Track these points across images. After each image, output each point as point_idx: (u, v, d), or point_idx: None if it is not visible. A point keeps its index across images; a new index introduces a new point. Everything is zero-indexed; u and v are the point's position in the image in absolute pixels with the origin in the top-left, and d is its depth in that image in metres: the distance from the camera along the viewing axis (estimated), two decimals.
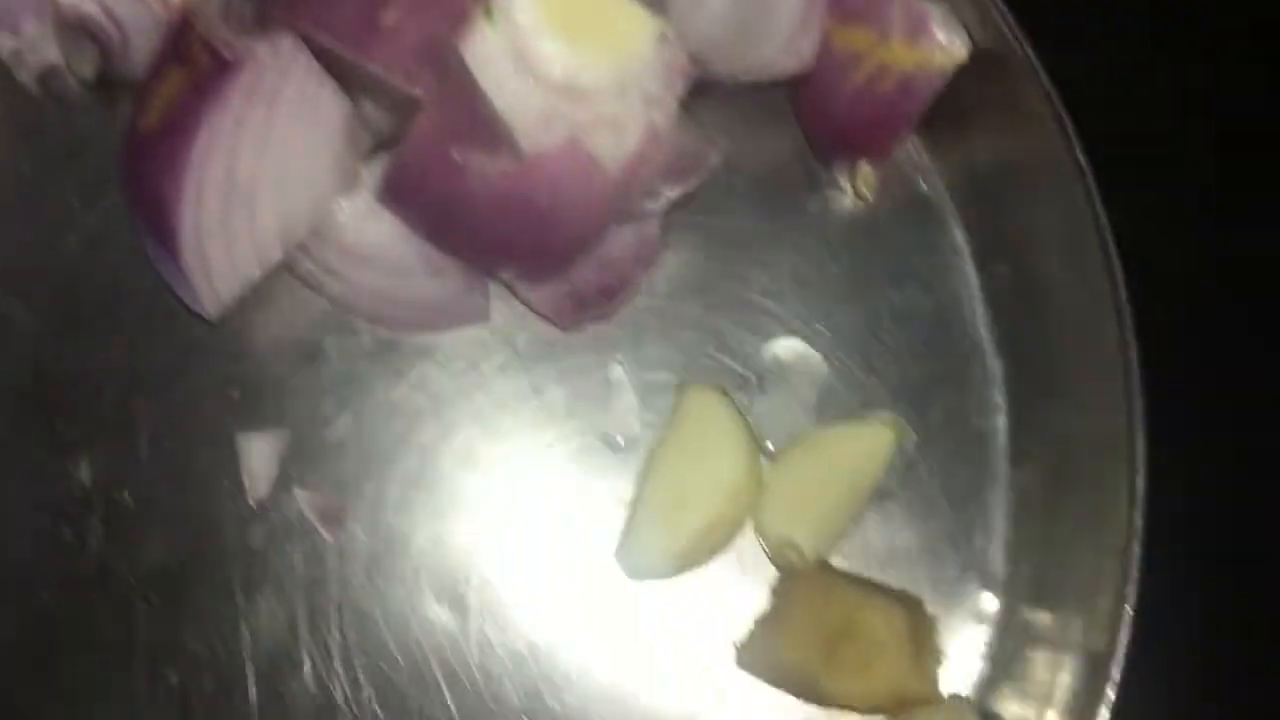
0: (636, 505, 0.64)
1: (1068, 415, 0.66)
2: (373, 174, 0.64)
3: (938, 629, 0.64)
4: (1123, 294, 0.62)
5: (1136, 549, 0.59)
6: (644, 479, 0.64)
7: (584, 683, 0.65)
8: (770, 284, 0.69)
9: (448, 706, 0.65)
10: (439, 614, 0.66)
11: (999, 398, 0.68)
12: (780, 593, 0.64)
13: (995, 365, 0.69)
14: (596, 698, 0.65)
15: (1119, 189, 0.63)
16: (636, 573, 0.64)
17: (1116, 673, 0.57)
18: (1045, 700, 0.61)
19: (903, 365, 0.68)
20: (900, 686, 0.60)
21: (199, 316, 0.64)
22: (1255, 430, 0.72)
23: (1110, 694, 0.57)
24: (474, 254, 0.64)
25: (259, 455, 0.67)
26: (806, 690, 0.62)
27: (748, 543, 0.66)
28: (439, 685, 0.65)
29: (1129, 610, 0.58)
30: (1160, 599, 0.61)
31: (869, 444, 0.64)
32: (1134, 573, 0.59)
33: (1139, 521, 0.59)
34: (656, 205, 0.64)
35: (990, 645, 0.65)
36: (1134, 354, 0.62)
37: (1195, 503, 0.68)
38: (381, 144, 0.65)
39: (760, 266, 0.70)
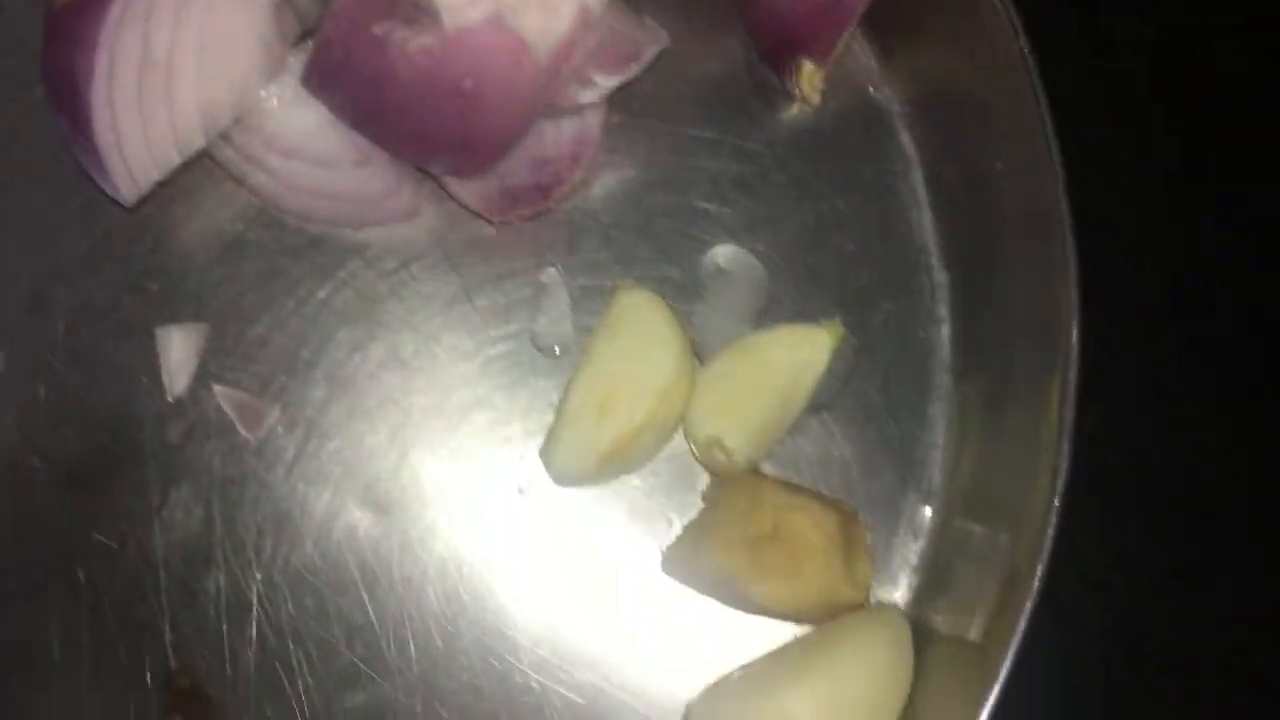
0: (563, 407, 0.62)
1: (1010, 330, 0.64)
2: (300, 63, 0.62)
3: (870, 538, 0.62)
4: (1066, 212, 0.60)
5: (1065, 463, 0.57)
6: (572, 381, 0.62)
7: (506, 589, 0.63)
8: (713, 190, 0.67)
9: (366, 610, 0.63)
10: (360, 517, 0.64)
11: (943, 309, 0.66)
12: (709, 498, 0.62)
13: (941, 276, 0.67)
14: (519, 604, 0.63)
15: (1070, 106, 0.61)
16: (562, 476, 0.62)
17: (1037, 585, 0.55)
18: (971, 612, 0.59)
19: (846, 274, 0.66)
20: (829, 592, 0.58)
21: (117, 204, 0.62)
22: (1191, 358, 0.69)
23: (1029, 607, 0.55)
24: (400, 142, 0.62)
25: (177, 350, 0.65)
26: (733, 596, 0.60)
27: (681, 451, 0.64)
28: (358, 588, 0.63)
29: (1053, 524, 0.56)
30: (1088, 518, 0.59)
31: (806, 348, 0.62)
32: (1059, 488, 0.57)
33: (1068, 436, 0.57)
34: (591, 96, 0.62)
35: (923, 557, 0.63)
36: (1074, 272, 0.59)
37: (1127, 427, 0.67)
38: (310, 32, 0.63)
39: (703, 172, 0.67)
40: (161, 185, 0.61)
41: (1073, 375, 0.57)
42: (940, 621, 0.60)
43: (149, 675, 0.62)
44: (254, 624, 0.62)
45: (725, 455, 0.60)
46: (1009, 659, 0.54)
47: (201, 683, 0.62)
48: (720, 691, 0.58)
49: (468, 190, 0.64)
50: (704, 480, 0.64)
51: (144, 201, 0.62)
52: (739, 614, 0.62)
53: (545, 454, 0.62)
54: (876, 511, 0.64)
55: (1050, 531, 0.55)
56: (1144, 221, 0.71)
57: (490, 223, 0.65)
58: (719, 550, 0.59)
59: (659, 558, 0.63)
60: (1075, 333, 0.57)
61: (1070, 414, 0.57)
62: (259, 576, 0.63)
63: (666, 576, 0.62)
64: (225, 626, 0.63)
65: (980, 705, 0.53)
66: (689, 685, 0.61)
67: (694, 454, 0.62)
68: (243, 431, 0.64)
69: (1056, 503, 0.55)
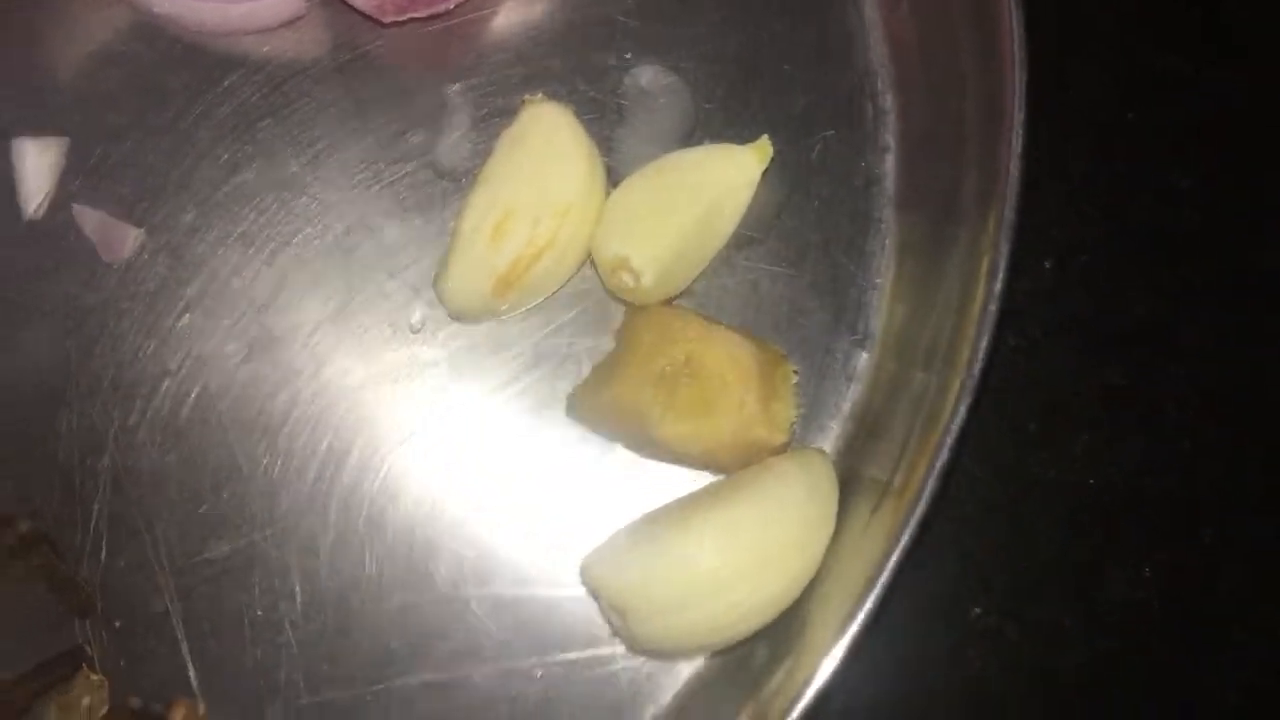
0: (457, 229, 0.55)
1: (955, 165, 0.56)
2: None
3: (795, 378, 0.55)
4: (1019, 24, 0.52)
5: (997, 295, 0.50)
6: (467, 200, 0.56)
7: (393, 435, 0.57)
8: (636, 3, 0.60)
9: (233, 456, 0.57)
10: (232, 354, 0.57)
11: (888, 138, 0.59)
12: (620, 336, 0.55)
13: (886, 102, 0.60)
14: (405, 450, 0.57)
15: None
16: (457, 308, 0.56)
17: (958, 432, 0.48)
18: (900, 461, 0.52)
19: (782, 99, 0.60)
20: (743, 433, 0.52)
21: None
22: (1132, 192, 0.62)
23: (947, 456, 0.48)
24: None
25: (35, 166, 0.58)
26: (642, 440, 0.54)
27: (594, 289, 0.58)
28: (224, 432, 0.57)
29: (980, 366, 0.49)
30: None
31: (730, 168, 0.56)
32: (990, 325, 0.49)
33: (1002, 273, 0.50)
34: None
35: (855, 403, 0.57)
36: (1021, 106, 0.52)
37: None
38: None
39: None
40: None
41: (1012, 199, 0.49)
42: (871, 470, 0.54)
43: None
44: (108, 468, 0.56)
45: (633, 279, 0.53)
46: (922, 508, 0.47)
47: (46, 528, 0.55)
48: (619, 540, 0.52)
49: None
50: (619, 321, 0.57)
51: (6, 7, 0.55)
52: (651, 464, 0.55)
53: (439, 283, 0.55)
54: (807, 355, 0.57)
55: (977, 374, 0.48)
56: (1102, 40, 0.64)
57: (383, 25, 0.58)
58: (626, 388, 0.53)
59: (565, 403, 0.56)
60: (1017, 155, 0.50)
61: (1006, 249, 0.50)
62: (115, 417, 0.57)
63: (572, 422, 0.55)
64: (75, 470, 0.56)
65: (889, 553, 0.46)
66: (592, 540, 0.54)
67: (602, 282, 0.55)
68: (104, 256, 0.58)
69: (985, 343, 0.48)
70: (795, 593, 0.50)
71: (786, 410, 0.53)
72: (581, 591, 0.54)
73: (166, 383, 0.57)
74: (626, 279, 0.53)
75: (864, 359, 0.57)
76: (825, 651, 0.48)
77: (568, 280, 0.56)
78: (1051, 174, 0.61)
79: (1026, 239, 0.54)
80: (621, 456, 0.56)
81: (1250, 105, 0.63)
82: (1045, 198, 0.62)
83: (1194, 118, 0.63)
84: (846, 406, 0.57)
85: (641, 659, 0.54)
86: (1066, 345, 0.61)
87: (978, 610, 0.59)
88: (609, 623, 0.52)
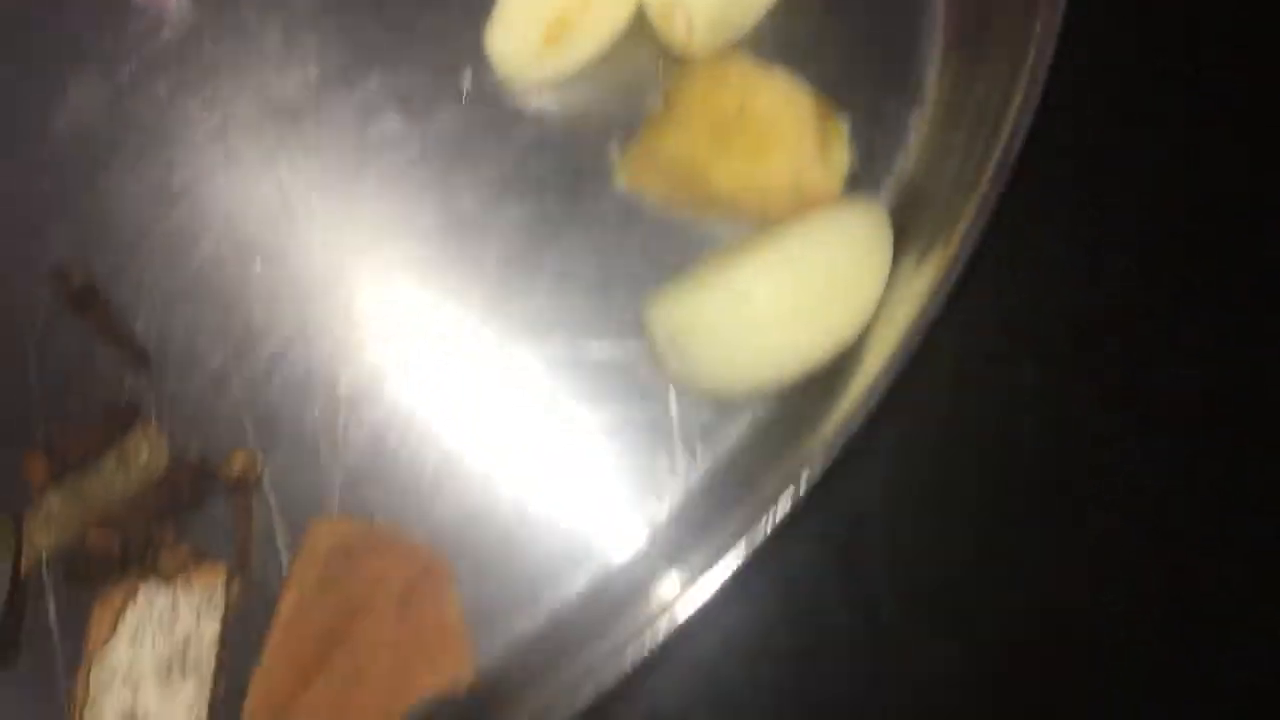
0: None
1: None
2: None
3: (847, 135, 0.55)
4: None
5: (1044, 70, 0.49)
6: None
7: (450, 200, 0.57)
8: None
9: (275, 211, 0.57)
10: (270, 113, 0.58)
11: None
12: (671, 92, 0.55)
13: None
14: (456, 214, 0.56)
15: None
16: (508, 62, 0.55)
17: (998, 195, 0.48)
18: (950, 224, 0.52)
19: None
20: (800, 176, 0.52)
21: None
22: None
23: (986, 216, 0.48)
24: None
25: None
26: (696, 194, 0.53)
27: (643, 55, 0.57)
28: (264, 187, 0.57)
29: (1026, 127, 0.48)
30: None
31: None
32: (1039, 87, 0.49)
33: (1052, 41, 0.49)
34: None
35: (904, 160, 0.56)
36: None
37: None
38: None
39: None
40: None
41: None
42: (918, 227, 0.54)
43: (39, 272, 0.56)
44: (158, 225, 0.57)
45: (686, 23, 0.53)
46: (963, 262, 0.47)
47: (100, 280, 0.56)
48: (678, 283, 0.52)
49: None
50: (668, 84, 0.57)
51: None
52: (707, 226, 0.55)
53: (488, 38, 0.55)
54: (857, 111, 0.57)
55: (1024, 132, 0.48)
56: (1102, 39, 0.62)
57: None
58: (679, 138, 0.53)
59: (617, 165, 0.56)
60: None
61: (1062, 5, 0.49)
62: (162, 174, 0.57)
63: (625, 185, 0.55)
64: (127, 225, 0.57)
65: (932, 302, 0.47)
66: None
67: (653, 28, 0.55)
68: (145, 12, 0.57)
69: (1032, 111, 0.47)
70: (849, 336, 0.50)
71: (841, 157, 0.53)
72: (636, 346, 0.54)
73: (209, 145, 0.57)
74: (679, 23, 0.53)
75: (915, 116, 0.57)
76: (870, 394, 0.48)
77: (618, 33, 0.56)
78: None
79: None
80: (676, 217, 0.56)
81: (1250, 105, 0.61)
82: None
83: (1194, 118, 0.61)
84: (896, 163, 0.56)
85: (695, 412, 0.54)
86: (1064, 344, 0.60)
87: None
88: (664, 364, 0.52)
